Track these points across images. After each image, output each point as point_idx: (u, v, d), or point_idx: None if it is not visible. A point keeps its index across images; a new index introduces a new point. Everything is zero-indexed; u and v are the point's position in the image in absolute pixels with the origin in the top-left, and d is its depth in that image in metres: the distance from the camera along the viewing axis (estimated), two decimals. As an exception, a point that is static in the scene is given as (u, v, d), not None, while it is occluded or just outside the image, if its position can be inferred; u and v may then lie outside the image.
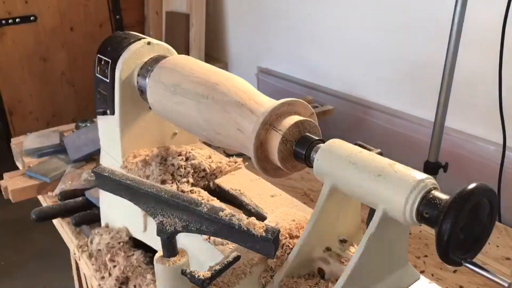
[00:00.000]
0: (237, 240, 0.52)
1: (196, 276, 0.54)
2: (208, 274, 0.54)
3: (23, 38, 2.94)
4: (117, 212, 1.04)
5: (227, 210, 0.52)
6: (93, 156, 1.50)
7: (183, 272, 0.56)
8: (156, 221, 0.56)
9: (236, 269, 0.67)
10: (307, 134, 0.67)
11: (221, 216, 0.52)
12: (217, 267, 0.55)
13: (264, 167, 0.69)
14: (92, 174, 0.63)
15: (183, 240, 0.83)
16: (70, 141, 1.54)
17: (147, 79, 0.89)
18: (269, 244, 0.49)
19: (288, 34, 2.23)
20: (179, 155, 0.93)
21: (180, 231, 0.56)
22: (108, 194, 1.05)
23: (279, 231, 0.50)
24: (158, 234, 0.56)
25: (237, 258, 0.57)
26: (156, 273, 0.57)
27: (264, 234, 0.49)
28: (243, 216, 0.52)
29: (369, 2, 1.79)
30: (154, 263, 0.57)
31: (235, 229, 0.51)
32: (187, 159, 0.93)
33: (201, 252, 0.78)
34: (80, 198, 1.22)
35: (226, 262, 0.56)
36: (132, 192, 0.59)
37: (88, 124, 1.70)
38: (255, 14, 2.44)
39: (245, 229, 0.50)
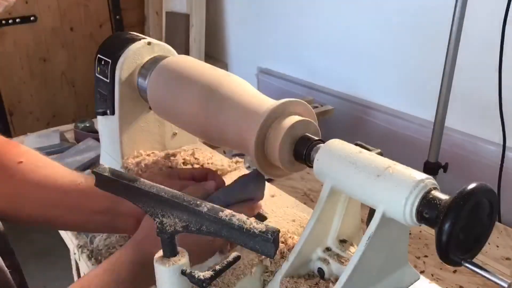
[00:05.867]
0: (237, 240, 0.52)
1: (196, 276, 0.54)
2: (208, 274, 0.54)
3: (23, 38, 2.94)
4: (117, 212, 1.04)
5: (227, 210, 0.53)
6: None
7: (183, 272, 0.56)
8: (156, 221, 0.57)
9: (236, 269, 0.67)
10: (307, 134, 0.67)
11: (221, 216, 0.52)
12: (217, 267, 0.55)
13: (264, 167, 0.69)
14: (92, 173, 0.63)
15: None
16: (60, 161, 1.53)
17: (147, 79, 0.89)
18: (269, 244, 0.49)
19: (288, 34, 2.23)
20: (183, 162, 0.93)
21: (180, 232, 0.56)
22: (108, 194, 1.05)
23: (279, 231, 0.50)
24: (158, 234, 0.57)
25: (237, 258, 0.57)
26: (156, 273, 0.58)
27: (264, 234, 0.49)
28: (243, 216, 0.52)
29: (369, 2, 1.79)
30: (154, 263, 0.58)
31: (235, 229, 0.51)
32: (186, 163, 0.93)
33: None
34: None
35: (226, 262, 0.56)
36: (132, 192, 0.59)
37: (87, 124, 1.70)
38: (255, 14, 2.44)
39: (245, 229, 0.50)
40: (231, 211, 0.52)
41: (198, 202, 0.54)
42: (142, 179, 0.59)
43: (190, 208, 0.54)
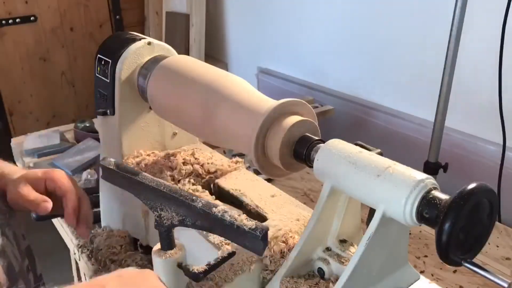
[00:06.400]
0: (229, 236, 0.54)
1: (191, 269, 0.56)
2: (202, 268, 0.56)
3: (23, 38, 2.94)
4: (118, 214, 1.04)
5: (221, 207, 0.54)
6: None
7: (179, 265, 0.58)
8: (154, 214, 0.58)
9: (235, 265, 0.68)
10: (307, 134, 0.67)
11: (214, 212, 0.54)
12: (212, 262, 0.57)
13: (264, 167, 0.69)
14: (99, 166, 0.65)
15: (181, 236, 0.83)
16: (60, 161, 1.53)
17: (147, 79, 0.89)
18: (258, 241, 0.50)
19: (288, 34, 2.23)
20: (183, 162, 0.93)
21: (176, 225, 0.57)
22: (108, 195, 1.05)
23: (267, 229, 0.51)
24: (155, 227, 0.58)
25: (232, 254, 0.59)
26: (154, 265, 0.59)
27: (253, 231, 0.51)
28: (235, 213, 0.53)
29: (369, 2, 1.79)
30: (152, 255, 0.59)
31: (227, 225, 0.52)
32: (186, 163, 0.93)
33: (198, 249, 0.78)
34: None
35: (221, 258, 0.58)
36: (134, 185, 0.61)
37: (87, 124, 1.70)
38: (255, 14, 2.44)
39: (236, 225, 0.52)
40: (225, 207, 0.54)
41: (193, 198, 0.56)
42: (144, 173, 0.62)
43: (185, 203, 0.56)
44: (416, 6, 1.61)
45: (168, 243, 0.59)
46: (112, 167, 0.64)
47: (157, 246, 0.60)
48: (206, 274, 0.57)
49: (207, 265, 0.57)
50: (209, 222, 0.55)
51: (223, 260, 0.59)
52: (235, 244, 0.72)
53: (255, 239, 0.51)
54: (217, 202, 0.84)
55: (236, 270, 0.68)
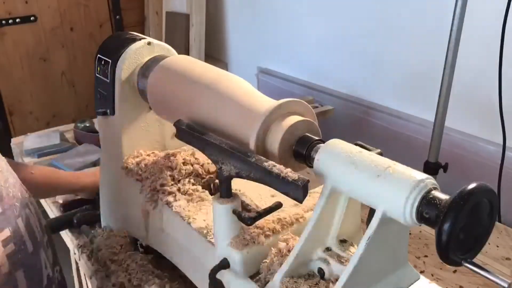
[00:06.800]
0: (275, 186, 0.61)
1: (243, 215, 0.66)
2: (252, 215, 0.66)
3: (23, 38, 2.94)
4: (118, 214, 1.04)
5: (270, 162, 0.62)
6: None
7: (234, 211, 0.68)
8: (217, 167, 0.69)
9: (282, 220, 0.76)
10: (307, 134, 0.67)
11: (265, 166, 0.62)
12: (261, 211, 0.67)
13: (264, 167, 0.69)
14: (175, 125, 0.77)
15: (181, 237, 0.83)
16: (60, 161, 1.52)
17: (147, 79, 0.89)
18: (299, 190, 0.58)
19: (288, 34, 2.23)
20: (183, 162, 0.93)
21: (234, 176, 0.67)
22: (108, 195, 1.05)
23: (308, 180, 0.58)
24: (217, 178, 0.73)
25: (278, 205, 0.68)
26: (213, 211, 0.70)
27: (295, 181, 0.58)
28: (281, 167, 0.61)
29: (369, 2, 1.79)
30: (212, 202, 0.70)
31: (274, 176, 0.61)
32: (186, 163, 0.93)
33: (198, 249, 0.78)
34: (85, 207, 1.20)
35: (268, 208, 0.67)
36: (201, 142, 0.72)
37: (87, 124, 1.70)
38: (255, 14, 2.44)
39: (282, 176, 0.60)
40: (273, 162, 0.62)
41: (248, 154, 0.65)
42: (210, 133, 0.72)
43: (242, 158, 0.65)
44: (416, 6, 1.61)
45: (226, 192, 0.69)
46: (184, 127, 0.75)
47: (217, 194, 0.70)
48: (255, 220, 0.66)
49: (256, 212, 0.66)
50: (260, 174, 0.62)
51: (270, 210, 0.67)
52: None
53: (297, 188, 0.58)
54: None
55: (283, 224, 0.76)
